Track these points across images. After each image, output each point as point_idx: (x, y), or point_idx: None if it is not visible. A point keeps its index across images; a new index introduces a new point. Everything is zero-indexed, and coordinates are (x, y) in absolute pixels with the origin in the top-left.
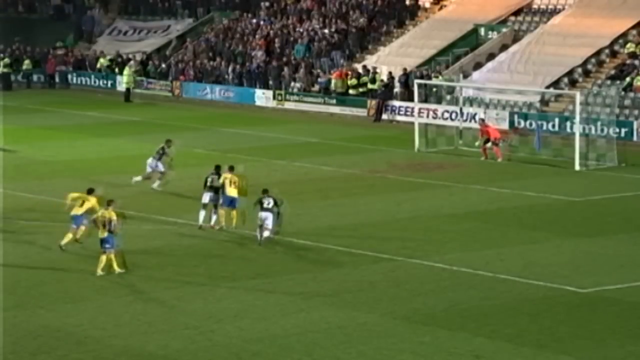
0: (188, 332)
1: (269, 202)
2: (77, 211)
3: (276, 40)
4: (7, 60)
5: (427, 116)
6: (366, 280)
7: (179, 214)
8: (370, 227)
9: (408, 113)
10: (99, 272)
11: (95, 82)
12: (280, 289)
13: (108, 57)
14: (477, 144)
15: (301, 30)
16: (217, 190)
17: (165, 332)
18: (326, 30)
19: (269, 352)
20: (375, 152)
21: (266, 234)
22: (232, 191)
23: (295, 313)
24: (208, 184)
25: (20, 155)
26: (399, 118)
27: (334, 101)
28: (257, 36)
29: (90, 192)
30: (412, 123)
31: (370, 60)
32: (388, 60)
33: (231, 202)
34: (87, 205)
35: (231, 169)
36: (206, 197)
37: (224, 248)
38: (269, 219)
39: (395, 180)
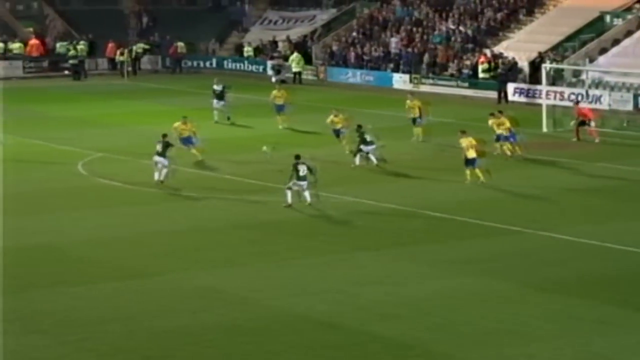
0: (334, 295)
1: (303, 170)
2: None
3: (414, 29)
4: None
5: (555, 98)
6: (498, 251)
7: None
8: (501, 201)
9: (537, 95)
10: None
11: (248, 67)
12: (420, 258)
13: (254, 45)
14: (571, 124)
15: (440, 26)
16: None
17: (313, 295)
18: (461, 28)
19: (409, 314)
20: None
21: (308, 196)
22: (471, 153)
23: (434, 280)
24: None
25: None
26: (528, 100)
27: (466, 84)
28: (395, 25)
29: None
30: (540, 105)
31: (500, 47)
32: (517, 46)
33: (471, 162)
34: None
35: (463, 132)
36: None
37: (365, 219)
38: (305, 185)
39: (525, 158)
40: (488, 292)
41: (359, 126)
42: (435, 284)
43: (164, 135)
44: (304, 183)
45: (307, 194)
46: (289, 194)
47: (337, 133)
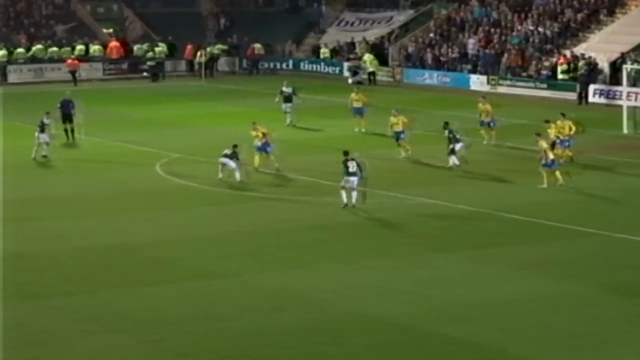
0: (409, 297)
1: (353, 166)
2: None
3: (492, 30)
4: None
5: (636, 99)
6: (575, 253)
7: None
8: (577, 203)
9: (617, 96)
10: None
11: (324, 68)
12: (495, 260)
13: (330, 47)
14: None
15: (519, 27)
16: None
17: (388, 297)
18: (540, 29)
19: (484, 316)
20: (584, 134)
21: (355, 197)
22: (550, 155)
23: (510, 282)
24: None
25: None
26: (608, 101)
27: (545, 85)
28: (473, 26)
29: None
30: (621, 106)
31: (579, 47)
32: (597, 47)
33: (551, 164)
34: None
35: (539, 134)
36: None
37: (440, 221)
38: (355, 182)
39: (603, 160)
40: (564, 295)
41: (446, 123)
42: (510, 286)
43: (235, 146)
44: (353, 179)
45: (354, 194)
46: (343, 194)
47: (396, 136)
